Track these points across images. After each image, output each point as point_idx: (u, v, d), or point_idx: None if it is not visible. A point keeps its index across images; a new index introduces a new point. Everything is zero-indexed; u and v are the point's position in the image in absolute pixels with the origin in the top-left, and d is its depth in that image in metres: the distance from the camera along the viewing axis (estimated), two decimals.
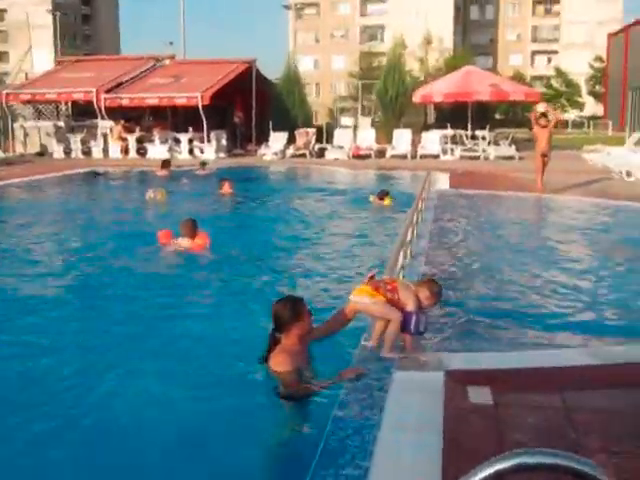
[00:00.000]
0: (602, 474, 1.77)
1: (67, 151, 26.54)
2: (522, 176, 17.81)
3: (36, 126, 28.05)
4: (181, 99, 25.70)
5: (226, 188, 14.68)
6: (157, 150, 25.30)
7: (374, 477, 3.09)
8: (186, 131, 25.90)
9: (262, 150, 25.95)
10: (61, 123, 28.07)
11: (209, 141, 25.75)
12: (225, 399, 4.33)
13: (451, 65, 40.84)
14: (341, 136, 26.35)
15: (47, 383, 4.72)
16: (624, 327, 6.08)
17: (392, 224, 10.81)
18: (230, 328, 5.79)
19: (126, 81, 27.73)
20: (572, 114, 66.31)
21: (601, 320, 6.25)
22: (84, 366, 5.02)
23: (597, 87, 68.87)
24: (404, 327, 4.72)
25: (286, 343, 4.42)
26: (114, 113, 26.50)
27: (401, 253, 6.34)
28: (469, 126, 25.89)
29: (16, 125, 28.22)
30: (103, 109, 26.05)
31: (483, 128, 25.48)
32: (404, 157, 24.52)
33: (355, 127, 29.00)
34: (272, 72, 32.43)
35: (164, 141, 25.90)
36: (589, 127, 55.08)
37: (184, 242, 8.85)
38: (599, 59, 67.84)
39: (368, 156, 24.71)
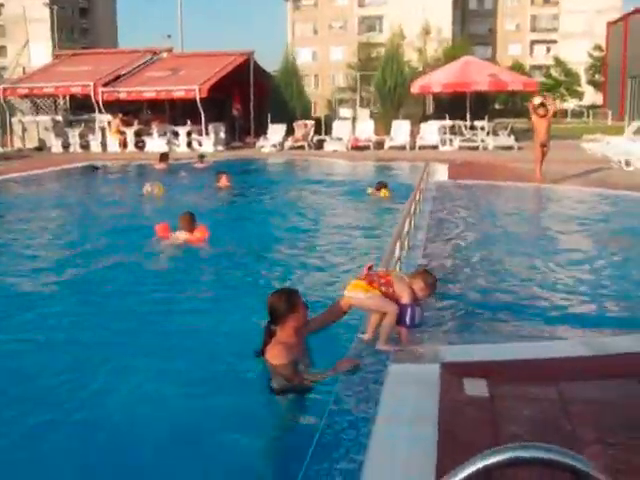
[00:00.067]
0: (593, 469, 1.76)
1: (65, 145, 26.51)
2: (521, 166, 17.76)
3: (34, 120, 28.01)
4: (179, 92, 25.64)
5: (223, 181, 14.66)
6: (155, 143, 25.27)
7: (369, 470, 3.07)
8: (184, 124, 25.86)
9: (260, 142, 25.91)
10: (59, 117, 28.02)
11: (207, 134, 25.70)
12: (220, 393, 4.33)
13: (450, 55, 40.58)
14: (340, 128, 26.31)
15: (41, 378, 4.71)
16: (622, 318, 6.07)
17: (390, 216, 10.78)
18: (228, 321, 5.78)
19: (124, 74, 27.67)
20: (571, 103, 66.17)
21: (600, 311, 6.23)
22: (80, 361, 5.01)
23: (596, 76, 68.71)
24: (399, 320, 4.70)
25: (282, 335, 4.41)
26: (112, 107, 26.47)
27: (398, 245, 6.31)
28: (468, 116, 25.81)
29: (14, 120, 28.18)
30: (101, 103, 26.01)
31: (482, 118, 25.40)
32: (403, 148, 24.47)
33: (354, 118, 28.98)
34: (270, 64, 32.41)
35: (162, 134, 25.85)
36: (588, 116, 54.95)
37: (182, 235, 8.84)
38: (598, 48, 67.62)
39: (367, 147, 24.68)
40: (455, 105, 27.60)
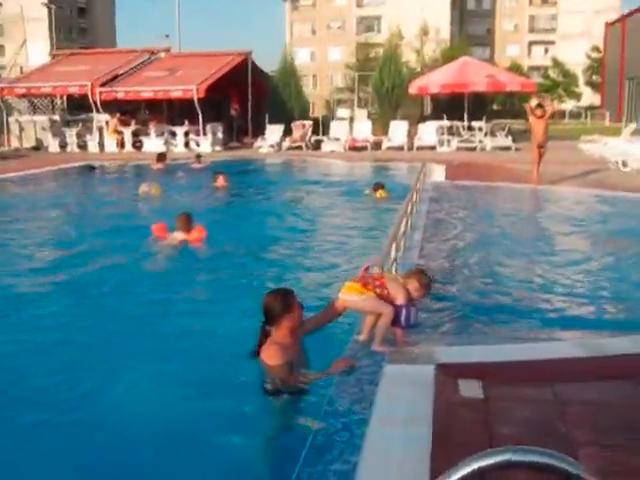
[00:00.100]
0: (584, 472, 1.76)
1: (63, 145, 26.48)
2: (518, 167, 17.76)
3: (31, 120, 27.97)
4: (177, 92, 25.61)
5: (220, 181, 14.65)
6: (153, 143, 25.25)
7: (363, 471, 3.07)
8: (182, 124, 25.84)
9: (258, 143, 25.88)
10: (56, 117, 27.96)
11: (205, 134, 25.68)
12: (216, 394, 4.32)
13: (448, 56, 40.69)
14: (337, 128, 26.32)
15: (37, 378, 4.69)
16: (619, 319, 6.08)
17: (387, 216, 10.77)
18: (224, 322, 5.77)
19: (121, 74, 27.64)
20: (569, 104, 66.22)
21: (597, 312, 6.22)
22: (76, 362, 5.00)
23: (594, 77, 68.67)
24: (395, 320, 4.70)
25: (277, 336, 4.40)
26: (110, 106, 26.43)
27: (394, 245, 6.31)
28: (465, 117, 25.81)
29: (11, 119, 28.17)
30: (98, 103, 25.97)
31: (480, 119, 25.40)
32: (400, 149, 24.48)
33: (351, 119, 28.97)
34: (268, 64, 32.42)
35: (160, 134, 25.82)
36: (586, 117, 55.00)
37: (179, 235, 8.83)
38: (596, 49, 67.59)
39: (364, 148, 24.67)
40: (453, 106, 27.60)
